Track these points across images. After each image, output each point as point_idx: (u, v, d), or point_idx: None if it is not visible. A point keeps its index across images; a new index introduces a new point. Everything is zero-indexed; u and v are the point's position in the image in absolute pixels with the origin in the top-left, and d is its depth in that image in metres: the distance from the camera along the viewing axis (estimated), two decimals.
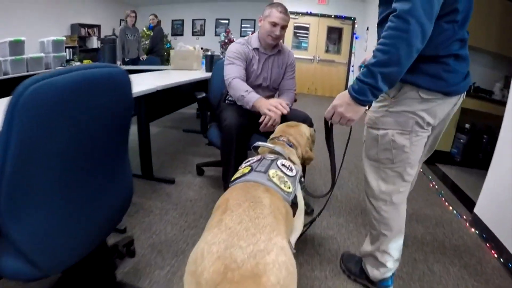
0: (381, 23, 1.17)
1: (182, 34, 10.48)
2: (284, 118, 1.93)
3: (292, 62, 2.22)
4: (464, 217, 2.34)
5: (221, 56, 3.83)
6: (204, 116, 2.37)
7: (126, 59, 5.52)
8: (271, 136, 1.47)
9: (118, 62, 5.35)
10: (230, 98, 2.21)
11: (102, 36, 8.98)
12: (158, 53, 6.48)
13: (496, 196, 2.09)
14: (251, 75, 2.11)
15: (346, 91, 1.10)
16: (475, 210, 2.25)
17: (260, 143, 1.33)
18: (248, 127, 1.92)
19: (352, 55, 7.97)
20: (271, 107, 1.81)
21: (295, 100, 2.25)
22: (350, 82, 8.11)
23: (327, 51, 8.33)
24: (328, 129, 1.38)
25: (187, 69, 3.70)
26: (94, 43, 8.85)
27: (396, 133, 1.21)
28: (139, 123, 2.39)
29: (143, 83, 2.34)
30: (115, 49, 5.39)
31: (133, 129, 2.07)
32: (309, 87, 8.54)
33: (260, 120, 1.85)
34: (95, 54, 8.83)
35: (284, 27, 2.00)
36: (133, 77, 1.03)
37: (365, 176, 1.38)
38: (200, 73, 3.33)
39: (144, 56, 5.77)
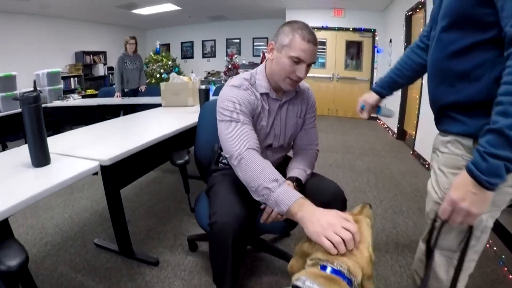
0: (458, 54, 0.93)
1: (192, 57, 10.10)
2: (302, 191, 1.32)
3: (313, 103, 1.55)
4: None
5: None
6: (186, 182, 1.72)
7: (126, 90, 5.02)
8: (311, 258, 0.88)
9: (117, 94, 4.87)
10: (225, 161, 1.58)
11: (108, 63, 8.65)
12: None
13: None
14: (258, 136, 1.36)
15: (464, 176, 0.83)
16: None
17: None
18: (248, 218, 1.24)
19: (375, 70, 7.26)
20: (333, 236, 0.86)
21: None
22: None
23: (346, 67, 7.64)
24: (434, 229, 1.03)
25: (180, 105, 3.10)
26: (100, 70, 8.55)
27: (489, 216, 0.97)
28: (106, 193, 1.78)
29: (110, 144, 1.81)
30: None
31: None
32: (329, 108, 7.84)
33: (262, 207, 1.24)
34: (101, 82, 8.53)
35: (310, 65, 1.29)
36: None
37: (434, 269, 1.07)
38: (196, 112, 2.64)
39: (143, 87, 5.19)
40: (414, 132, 4.45)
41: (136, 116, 2.75)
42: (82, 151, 1.64)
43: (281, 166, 1.54)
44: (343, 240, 0.84)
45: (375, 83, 1.50)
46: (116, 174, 1.71)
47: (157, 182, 3.18)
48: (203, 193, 1.60)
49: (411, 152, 4.44)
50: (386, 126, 6.33)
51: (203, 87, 2.61)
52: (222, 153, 1.56)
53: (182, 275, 1.80)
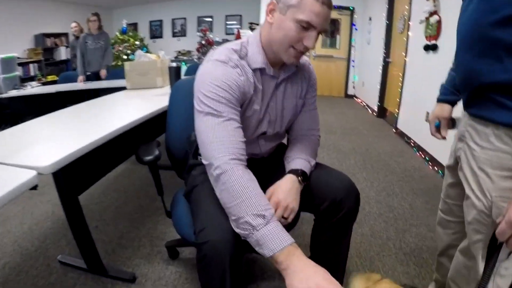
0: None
1: (161, 36, 9.57)
2: (307, 189, 1.11)
3: (314, 81, 1.27)
4: None
5: (199, 63, 2.94)
6: (158, 182, 1.39)
7: (88, 73, 4.58)
8: None
9: (80, 78, 4.43)
10: None
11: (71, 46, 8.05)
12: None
13: None
14: (249, 124, 1.13)
15: None
16: None
17: None
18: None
19: (352, 48, 7.09)
20: None
21: None
22: (351, 79, 7.31)
23: (323, 45, 7.43)
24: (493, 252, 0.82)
25: (148, 87, 2.78)
26: (63, 54, 7.91)
27: None
28: (62, 202, 1.44)
29: (57, 142, 1.40)
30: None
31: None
32: None
33: None
34: (63, 66, 7.91)
35: (322, 33, 1.03)
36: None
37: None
38: (166, 95, 2.32)
39: (103, 72, 4.65)
40: (395, 110, 4.34)
41: (94, 103, 2.33)
42: (18, 156, 1.19)
43: (275, 155, 1.30)
44: None
45: (440, 93, 1.23)
46: (71, 178, 1.39)
47: (126, 176, 2.83)
48: (180, 193, 1.33)
49: (394, 130, 4.34)
50: (364, 104, 6.22)
51: (174, 64, 2.29)
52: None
53: None
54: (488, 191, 0.83)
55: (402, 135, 4.05)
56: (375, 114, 5.39)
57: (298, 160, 1.15)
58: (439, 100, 1.21)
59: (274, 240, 0.84)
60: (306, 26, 0.97)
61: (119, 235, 1.96)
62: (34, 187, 1.04)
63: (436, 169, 2.98)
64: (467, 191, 0.91)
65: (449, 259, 1.18)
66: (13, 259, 1.77)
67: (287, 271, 0.82)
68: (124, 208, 2.29)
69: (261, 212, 0.87)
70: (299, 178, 1.08)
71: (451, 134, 1.18)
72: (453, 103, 1.19)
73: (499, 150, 0.80)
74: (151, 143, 1.33)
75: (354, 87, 7.25)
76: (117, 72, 4.52)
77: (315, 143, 1.26)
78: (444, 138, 1.22)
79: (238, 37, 6.65)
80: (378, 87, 5.20)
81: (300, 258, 0.83)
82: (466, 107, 0.93)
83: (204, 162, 0.98)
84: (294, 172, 1.10)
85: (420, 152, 3.43)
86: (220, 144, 0.94)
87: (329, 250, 1.24)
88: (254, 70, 1.07)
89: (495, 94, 0.78)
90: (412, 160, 3.28)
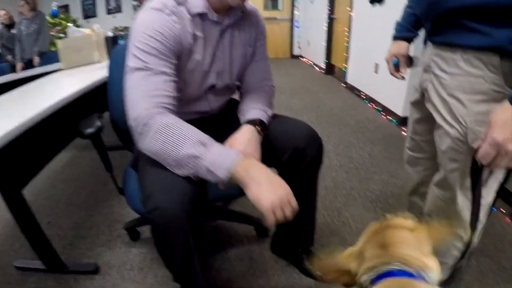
0: None
1: (95, 15, 8.80)
2: (266, 141, 1.04)
3: (263, 28, 1.16)
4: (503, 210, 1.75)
5: None
6: (105, 157, 1.26)
7: (23, 61, 4.11)
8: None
9: (19, 65, 4.03)
10: None
11: None
12: None
13: None
14: (194, 77, 1.02)
15: (507, 110, 0.65)
16: None
17: None
18: (197, 188, 0.88)
19: (295, 9, 6.97)
20: (280, 214, 0.79)
21: None
22: (296, 41, 7.25)
23: (266, 7, 7.24)
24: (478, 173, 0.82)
25: (85, 63, 2.51)
26: None
27: None
28: (4, 198, 1.23)
29: None
30: None
31: None
32: None
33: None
34: None
35: None
36: None
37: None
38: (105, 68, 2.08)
39: (37, 59, 4.13)
40: (343, 65, 4.38)
41: (25, 89, 2.00)
42: None
43: (227, 112, 1.21)
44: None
45: (396, 31, 1.17)
46: (9, 169, 1.21)
47: (73, 165, 2.56)
48: (130, 167, 1.21)
49: (344, 85, 4.40)
50: (311, 63, 6.23)
51: (111, 34, 2.07)
52: None
53: (131, 276, 1.42)
54: (461, 117, 0.81)
55: (352, 89, 4.12)
56: (323, 71, 5.42)
57: (253, 110, 1.08)
58: (396, 38, 1.17)
59: (224, 159, 0.80)
60: None
61: (75, 226, 1.79)
62: None
63: (390, 118, 3.07)
64: (439, 120, 0.88)
65: (421, 198, 1.19)
66: None
67: (251, 182, 0.79)
68: (76, 198, 2.09)
69: (198, 140, 0.82)
70: (257, 128, 1.01)
71: (402, 83, 1.15)
72: (409, 40, 1.15)
73: (469, 74, 0.77)
74: (91, 116, 1.18)
75: (299, 47, 7.22)
76: (51, 56, 4.04)
77: (270, 94, 1.19)
78: (403, 77, 1.19)
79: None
80: (324, 44, 5.20)
81: (259, 167, 0.82)
82: (431, 36, 0.90)
83: (130, 123, 0.88)
84: (251, 122, 1.02)
85: (372, 104, 3.51)
86: (145, 97, 0.86)
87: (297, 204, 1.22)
88: (194, 16, 0.96)
89: (463, 18, 0.75)
90: (365, 112, 3.34)
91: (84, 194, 2.13)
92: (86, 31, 2.69)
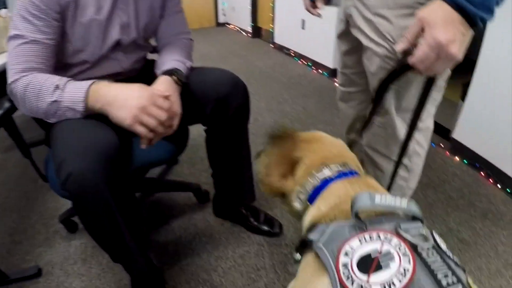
0: None
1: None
2: (187, 95, 0.96)
3: None
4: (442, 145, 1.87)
5: None
6: (20, 142, 1.07)
7: None
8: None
9: None
10: None
11: None
12: None
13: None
14: (91, 32, 0.91)
15: (445, 11, 0.59)
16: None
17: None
18: (119, 149, 0.80)
19: None
20: (149, 120, 0.78)
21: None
22: (220, 8, 6.96)
23: None
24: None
25: None
26: None
27: None
28: None
29: None
30: None
31: None
32: None
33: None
34: None
35: None
36: None
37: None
38: None
39: None
40: (270, 26, 4.31)
41: None
42: None
43: (146, 73, 1.08)
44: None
45: None
46: None
47: None
48: (48, 155, 1.05)
49: (272, 45, 4.35)
50: (238, 29, 6.07)
51: None
52: None
53: (76, 270, 1.28)
54: (388, 33, 0.78)
55: (280, 48, 4.08)
56: (250, 35, 5.30)
57: (170, 62, 1.00)
58: None
59: (78, 92, 0.79)
60: None
61: (10, 232, 1.59)
62: None
63: (321, 71, 3.09)
64: (365, 42, 0.85)
65: (359, 134, 1.17)
66: None
67: (105, 108, 0.78)
68: (7, 202, 1.84)
69: (54, 85, 0.80)
70: (174, 78, 0.93)
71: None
72: None
73: None
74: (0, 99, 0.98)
75: (224, 14, 6.98)
76: None
77: (188, 46, 1.12)
78: (319, 14, 1.11)
79: None
80: (249, 7, 5.06)
81: (108, 86, 0.80)
82: None
83: (8, 93, 0.85)
84: (167, 73, 0.94)
85: (301, 60, 3.50)
86: (14, 68, 0.82)
87: (231, 160, 1.16)
88: None
89: None
90: (296, 68, 3.33)
91: (15, 196, 1.88)
92: None
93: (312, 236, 0.50)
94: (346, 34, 0.98)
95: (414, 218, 0.47)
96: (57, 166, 0.73)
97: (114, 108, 0.77)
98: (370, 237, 0.43)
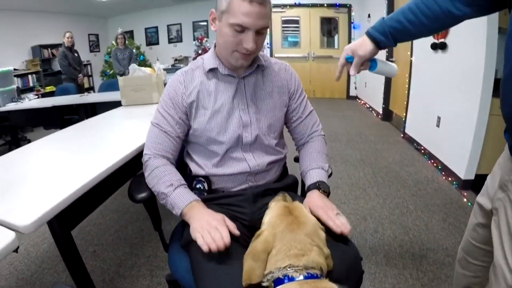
0: None
1: (157, 43, 9.40)
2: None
3: (297, 85, 1.22)
4: None
5: None
6: (155, 218, 1.22)
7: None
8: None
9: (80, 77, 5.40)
10: (199, 186, 1.17)
11: None
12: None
13: None
14: (214, 126, 1.10)
15: None
16: None
17: None
18: None
19: None
20: (207, 235, 0.88)
21: None
22: (352, 80, 7.10)
23: (322, 45, 7.26)
24: None
25: (144, 103, 2.62)
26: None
27: None
28: (54, 238, 1.30)
29: (52, 182, 1.24)
30: None
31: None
32: (306, 89, 7.34)
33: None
34: (60, 77, 7.78)
35: (262, 31, 0.99)
36: None
37: None
38: None
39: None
40: (402, 113, 4.17)
41: (90, 124, 2.16)
42: None
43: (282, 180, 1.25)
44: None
45: (373, 25, 0.98)
46: (62, 217, 1.24)
47: (125, 195, 2.64)
48: (178, 229, 1.19)
49: (402, 135, 4.16)
50: (368, 106, 6.04)
51: (170, 79, 2.12)
52: (193, 174, 1.18)
53: None
54: None
55: (411, 140, 3.87)
56: (380, 117, 5.22)
57: (311, 171, 1.14)
58: (368, 33, 0.97)
59: (180, 200, 1.00)
60: (239, 30, 0.96)
61: (118, 262, 1.85)
62: (16, 250, 0.86)
63: (450, 179, 2.82)
64: (498, 257, 0.74)
65: None
66: (8, 283, 1.72)
67: (189, 220, 0.96)
68: (124, 232, 2.17)
69: (170, 183, 1.03)
70: (321, 191, 1.06)
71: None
72: (379, 45, 0.96)
73: None
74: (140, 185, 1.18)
75: (356, 88, 7.08)
76: (112, 84, 4.40)
77: (322, 144, 1.24)
78: (352, 74, 1.01)
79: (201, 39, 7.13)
80: (382, 88, 5.02)
81: (201, 208, 0.99)
82: None
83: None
84: (312, 187, 1.08)
85: (431, 161, 3.26)
86: (153, 142, 1.12)
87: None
88: (208, 72, 1.11)
89: None
90: (424, 170, 3.10)
91: (132, 229, 2.20)
92: (147, 70, 2.81)
93: None
94: (487, 210, 0.89)
95: None
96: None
97: (192, 221, 0.94)
98: None
